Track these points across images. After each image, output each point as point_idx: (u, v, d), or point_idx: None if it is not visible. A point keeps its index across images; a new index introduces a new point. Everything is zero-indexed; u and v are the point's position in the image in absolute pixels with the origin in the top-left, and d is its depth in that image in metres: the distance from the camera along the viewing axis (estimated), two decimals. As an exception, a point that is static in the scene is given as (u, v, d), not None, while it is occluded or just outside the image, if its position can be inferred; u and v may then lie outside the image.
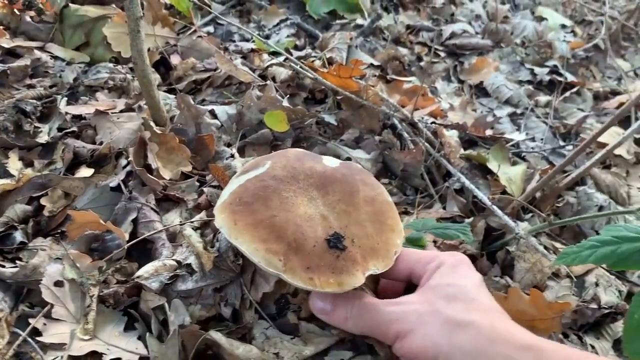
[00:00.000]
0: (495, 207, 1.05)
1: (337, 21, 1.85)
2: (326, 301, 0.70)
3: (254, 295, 0.82)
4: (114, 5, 1.48)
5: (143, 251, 0.91)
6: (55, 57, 1.37)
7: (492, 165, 1.21)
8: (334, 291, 0.65)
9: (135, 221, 0.94)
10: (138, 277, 0.81)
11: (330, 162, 0.82)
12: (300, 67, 1.33)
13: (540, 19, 2.39)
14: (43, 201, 0.96)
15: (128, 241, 0.89)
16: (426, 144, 1.23)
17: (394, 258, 0.72)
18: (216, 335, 0.74)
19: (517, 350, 0.56)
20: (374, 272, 0.69)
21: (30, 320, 0.76)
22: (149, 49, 1.16)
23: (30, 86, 1.24)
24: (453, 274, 0.68)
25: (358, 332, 0.69)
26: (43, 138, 1.11)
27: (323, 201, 0.75)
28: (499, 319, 0.62)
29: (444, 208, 1.15)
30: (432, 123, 1.34)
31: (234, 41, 1.66)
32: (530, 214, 1.14)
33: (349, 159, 1.19)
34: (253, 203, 0.70)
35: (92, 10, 1.42)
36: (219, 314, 0.82)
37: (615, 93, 1.95)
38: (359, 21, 1.84)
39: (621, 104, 1.78)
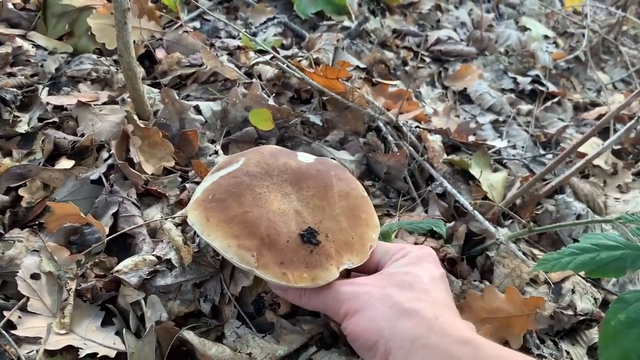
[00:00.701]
0: (476, 212, 1.06)
1: (324, 22, 1.85)
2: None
3: (233, 290, 0.81)
4: (98, -4, 1.46)
5: (123, 246, 0.90)
6: (38, 46, 1.35)
7: (475, 171, 1.22)
8: (307, 286, 0.66)
9: (115, 215, 0.93)
10: (117, 271, 0.80)
11: (305, 158, 0.82)
12: (287, 66, 1.33)
13: (524, 29, 2.42)
14: (21, 192, 0.94)
15: (108, 235, 0.88)
16: (410, 147, 1.24)
17: (370, 252, 0.73)
18: (189, 335, 0.74)
19: (456, 344, 0.56)
20: (349, 267, 0.70)
21: (5, 313, 0.74)
22: (134, 42, 1.14)
23: (10, 74, 1.21)
24: (414, 265, 0.70)
25: (311, 309, 0.71)
26: (23, 128, 1.08)
27: (297, 196, 0.74)
28: (446, 313, 0.63)
29: (426, 212, 1.15)
30: (416, 127, 1.35)
31: (220, 37, 1.65)
32: (510, 220, 1.16)
33: (333, 160, 1.19)
34: (226, 199, 0.70)
35: (76, 0, 1.39)
36: (198, 310, 0.81)
37: (594, 104, 1.98)
38: (346, 23, 1.84)
39: (600, 116, 1.82)
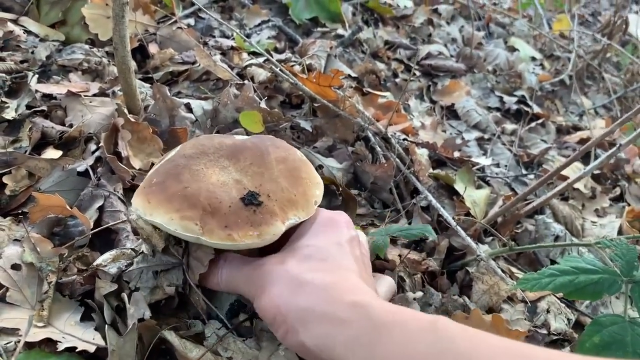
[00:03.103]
0: (459, 228, 1.08)
1: (319, 29, 1.86)
2: (212, 270, 0.73)
3: (191, 278, 0.80)
4: (95, -14, 1.45)
5: (106, 241, 0.89)
6: (29, 32, 1.33)
7: (459, 186, 1.24)
8: (254, 242, 0.67)
9: (100, 209, 0.92)
10: (97, 265, 0.79)
11: (240, 137, 0.84)
12: (280, 70, 1.33)
13: (512, 49, 2.47)
14: (5, 179, 0.92)
15: (92, 229, 0.87)
16: (397, 159, 1.26)
17: (316, 207, 0.75)
18: (170, 336, 0.74)
19: (347, 308, 0.58)
20: (297, 221, 0.72)
21: (-17, 303, 0.73)
22: (128, 35, 1.13)
23: (0, 59, 1.19)
24: (319, 234, 0.72)
25: (229, 291, 0.74)
26: (10, 114, 1.07)
27: (235, 168, 0.76)
28: (347, 278, 0.64)
29: (410, 224, 1.17)
30: (404, 139, 1.36)
31: (214, 36, 1.65)
32: (491, 237, 1.18)
33: (320, 166, 1.20)
34: (164, 181, 0.71)
35: (71, -11, 1.38)
36: (166, 300, 0.80)
37: (576, 128, 2.03)
38: (340, 31, 1.86)
39: (582, 139, 1.86)
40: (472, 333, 0.54)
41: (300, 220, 0.72)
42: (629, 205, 1.53)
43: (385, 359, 0.53)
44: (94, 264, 0.79)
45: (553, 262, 1.20)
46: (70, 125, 1.08)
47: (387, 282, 0.86)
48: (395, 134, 1.36)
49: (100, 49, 1.34)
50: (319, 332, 0.58)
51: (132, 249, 0.83)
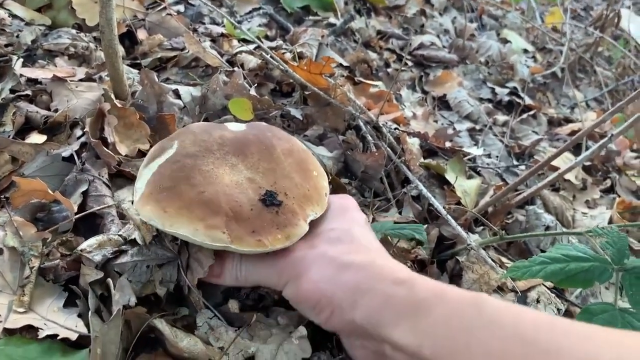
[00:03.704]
0: (449, 217, 1.07)
1: (310, 17, 1.84)
2: (215, 266, 0.72)
3: (190, 280, 0.79)
4: (82, -30, 1.42)
5: (91, 226, 0.87)
6: (14, 16, 1.30)
7: (450, 176, 1.23)
8: (284, 246, 0.66)
9: (85, 194, 0.90)
10: (81, 250, 0.77)
11: (236, 127, 0.81)
12: (271, 57, 1.32)
13: (505, 41, 2.46)
14: (-12, 164, 0.91)
15: (76, 214, 0.85)
16: (388, 148, 1.24)
17: (326, 199, 0.76)
18: (160, 324, 0.72)
19: (392, 285, 0.60)
20: (314, 217, 0.71)
21: (-37, 287, 0.71)
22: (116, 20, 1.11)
23: (-17, 42, 1.17)
24: (338, 218, 0.73)
25: (250, 285, 0.73)
26: (-7, 98, 1.05)
27: (244, 165, 0.74)
28: (379, 257, 0.67)
29: (400, 213, 1.16)
30: (395, 129, 1.35)
31: (204, 23, 1.63)
32: (482, 227, 1.17)
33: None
34: (176, 186, 0.67)
35: (58, -28, 1.35)
36: (154, 293, 0.79)
37: (568, 120, 2.03)
38: (332, 20, 1.84)
39: (573, 132, 1.86)
40: (514, 308, 0.57)
41: (317, 215, 0.72)
42: (619, 196, 1.53)
43: (429, 331, 0.56)
44: (78, 249, 0.77)
45: (543, 252, 1.19)
46: (56, 110, 1.05)
47: None
48: (386, 123, 1.35)
49: (87, 34, 1.32)
50: (368, 307, 0.60)
51: (119, 234, 0.82)
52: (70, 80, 1.12)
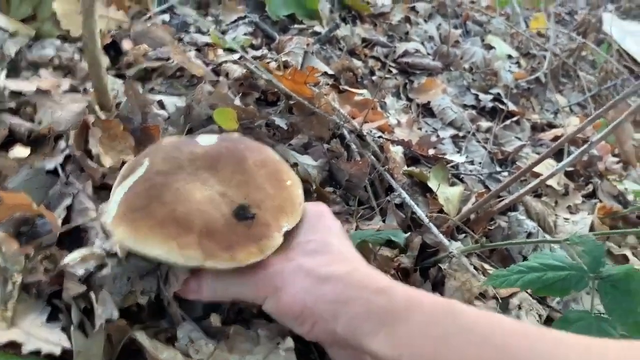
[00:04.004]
0: (431, 225, 1.09)
1: (296, 25, 1.85)
2: (191, 281, 0.72)
3: (169, 292, 0.80)
4: (67, -19, 1.42)
5: (75, 240, 0.87)
6: (-2, 27, 1.30)
7: (432, 184, 1.25)
8: (258, 259, 0.66)
9: (69, 208, 0.90)
10: (64, 265, 0.78)
11: (207, 141, 0.80)
12: (256, 67, 1.33)
13: (489, 47, 2.49)
14: (-29, 178, 0.91)
15: (60, 227, 0.86)
16: (372, 157, 1.26)
17: (301, 209, 0.75)
18: (140, 337, 0.72)
19: (372, 294, 0.61)
20: (288, 228, 0.71)
21: (-55, 303, 0.71)
22: (100, 31, 1.11)
23: (-33, 54, 1.17)
24: (313, 228, 0.73)
25: (229, 299, 0.73)
26: (-24, 111, 1.05)
27: (216, 179, 0.73)
28: (358, 266, 0.67)
29: (384, 221, 1.17)
30: (379, 137, 1.37)
31: (189, 32, 1.63)
32: (464, 234, 1.18)
33: (296, 164, 1.19)
34: (148, 205, 0.67)
35: (42, -17, 1.35)
36: (137, 305, 0.79)
37: (551, 126, 2.06)
38: (317, 28, 1.85)
39: (556, 137, 1.88)
40: (488, 315, 0.58)
41: (292, 226, 0.72)
42: (600, 201, 1.56)
43: (406, 340, 0.57)
44: (62, 263, 0.78)
45: (525, 258, 1.21)
46: (40, 123, 1.06)
47: None
48: (370, 131, 1.37)
49: (72, 45, 1.32)
50: (349, 317, 0.60)
51: (102, 248, 0.82)
52: (55, 92, 1.13)
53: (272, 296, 0.66)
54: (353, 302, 0.61)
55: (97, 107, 1.08)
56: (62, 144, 1.03)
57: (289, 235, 0.72)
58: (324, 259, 0.67)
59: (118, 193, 0.71)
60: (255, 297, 0.68)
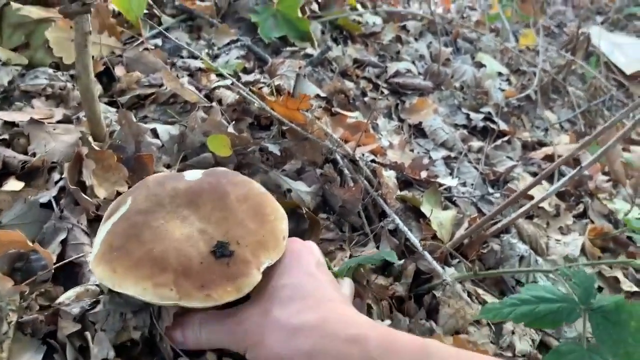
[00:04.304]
0: (425, 252, 1.09)
1: (288, 48, 1.87)
2: (176, 331, 0.72)
3: (160, 327, 0.80)
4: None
5: (70, 275, 0.87)
6: (-10, 56, 1.31)
7: (425, 209, 1.26)
8: (234, 298, 0.66)
9: (64, 242, 0.90)
10: (59, 303, 0.78)
11: (192, 175, 0.81)
12: (248, 94, 1.34)
13: (480, 64, 2.51)
14: (-36, 214, 0.91)
15: (55, 263, 0.86)
16: (365, 182, 1.27)
17: (284, 243, 0.75)
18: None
19: (345, 344, 0.61)
20: (270, 263, 0.71)
21: (-61, 346, 0.71)
22: (93, 57, 1.11)
23: (-41, 85, 1.17)
24: (289, 270, 0.73)
25: (214, 347, 0.73)
26: (-31, 144, 1.05)
27: (197, 216, 0.74)
28: (331, 310, 0.67)
29: (378, 247, 1.18)
30: (372, 161, 1.38)
31: (182, 57, 1.64)
32: (458, 260, 1.19)
33: (289, 190, 1.20)
34: (125, 244, 0.68)
35: (35, 12, 1.36)
36: (130, 341, 0.79)
37: (541, 144, 2.08)
38: (309, 50, 1.87)
39: (547, 156, 1.90)
40: (462, 354, 0.60)
41: (273, 262, 0.72)
42: (592, 222, 1.57)
43: None
44: (57, 302, 0.78)
45: (518, 282, 1.23)
46: (33, 154, 1.06)
47: (347, 284, 0.89)
48: (363, 155, 1.38)
49: (64, 73, 1.33)
50: None
51: (96, 284, 0.82)
52: (48, 123, 1.13)
53: (251, 348, 0.67)
54: (326, 354, 0.61)
55: (90, 138, 1.09)
56: (55, 176, 1.04)
57: (267, 274, 0.72)
58: (297, 308, 0.67)
59: (101, 232, 0.72)
60: (238, 347, 0.69)
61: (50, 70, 1.30)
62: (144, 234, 0.69)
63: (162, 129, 1.23)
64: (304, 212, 1.15)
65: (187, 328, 0.72)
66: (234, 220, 0.74)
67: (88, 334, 0.75)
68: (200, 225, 0.72)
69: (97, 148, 1.06)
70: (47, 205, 0.96)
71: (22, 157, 1.04)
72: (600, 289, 1.28)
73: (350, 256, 1.11)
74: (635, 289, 1.30)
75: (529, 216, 1.49)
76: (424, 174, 1.43)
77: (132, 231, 0.69)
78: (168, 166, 1.17)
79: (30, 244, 0.85)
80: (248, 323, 0.68)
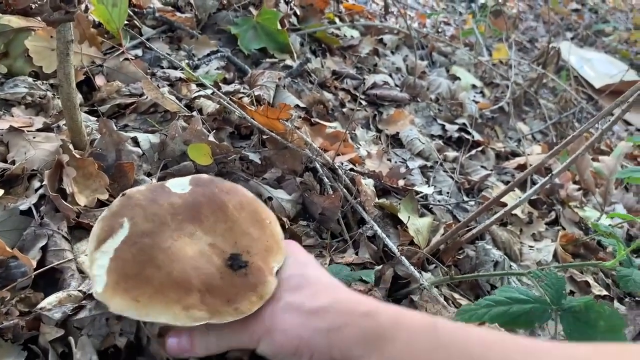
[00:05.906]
0: (403, 258, 1.12)
1: (267, 59, 1.89)
2: (181, 337, 0.71)
3: (149, 330, 0.81)
4: (38, 18, 1.43)
5: (51, 281, 0.88)
6: (-31, 65, 1.30)
7: (403, 215, 1.29)
8: (259, 306, 0.67)
9: (44, 249, 0.91)
10: (41, 308, 0.78)
11: (176, 185, 0.79)
12: (229, 103, 1.35)
13: (454, 77, 2.57)
14: (-57, 221, 0.90)
15: (35, 270, 0.86)
16: (344, 190, 1.29)
17: (284, 245, 0.78)
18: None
19: (359, 318, 0.65)
20: (278, 267, 0.73)
21: None
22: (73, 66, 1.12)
23: (-63, 93, 1.16)
24: (290, 264, 0.76)
25: (224, 350, 0.73)
26: (-53, 151, 1.04)
27: (203, 230, 0.73)
28: (340, 294, 0.71)
29: (357, 253, 1.20)
30: (350, 169, 1.40)
31: (162, 67, 1.65)
32: (434, 265, 1.22)
33: (270, 198, 1.22)
34: (142, 271, 0.64)
35: (14, 21, 1.36)
36: (114, 346, 0.80)
37: (514, 154, 2.13)
38: (288, 62, 1.89)
39: (519, 165, 1.95)
40: (466, 328, 0.64)
41: (280, 264, 0.73)
42: (563, 229, 1.62)
43: (394, 357, 0.61)
44: (38, 307, 0.78)
45: (493, 286, 1.26)
46: (13, 162, 1.06)
47: None
48: (342, 164, 1.40)
49: (44, 82, 1.33)
50: (342, 344, 0.64)
51: (78, 290, 0.83)
52: (28, 131, 1.13)
53: (265, 338, 0.67)
54: (345, 328, 0.64)
55: (71, 146, 1.09)
56: (35, 183, 1.04)
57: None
58: (308, 293, 0.70)
59: (101, 259, 0.66)
60: (249, 342, 0.69)
61: (30, 79, 1.30)
62: (158, 257, 0.66)
63: (142, 137, 1.24)
64: (286, 224, 1.17)
65: (194, 335, 0.71)
66: (239, 230, 0.74)
67: (72, 339, 0.76)
68: (209, 239, 0.72)
69: (78, 156, 1.06)
70: (27, 213, 0.96)
71: (1, 165, 1.04)
72: (572, 293, 1.32)
73: (330, 262, 1.13)
74: (605, 292, 1.34)
75: (503, 223, 1.53)
76: (401, 183, 1.46)
77: (144, 256, 0.66)
78: (149, 174, 1.18)
79: (10, 250, 0.85)
80: (261, 313, 0.68)
